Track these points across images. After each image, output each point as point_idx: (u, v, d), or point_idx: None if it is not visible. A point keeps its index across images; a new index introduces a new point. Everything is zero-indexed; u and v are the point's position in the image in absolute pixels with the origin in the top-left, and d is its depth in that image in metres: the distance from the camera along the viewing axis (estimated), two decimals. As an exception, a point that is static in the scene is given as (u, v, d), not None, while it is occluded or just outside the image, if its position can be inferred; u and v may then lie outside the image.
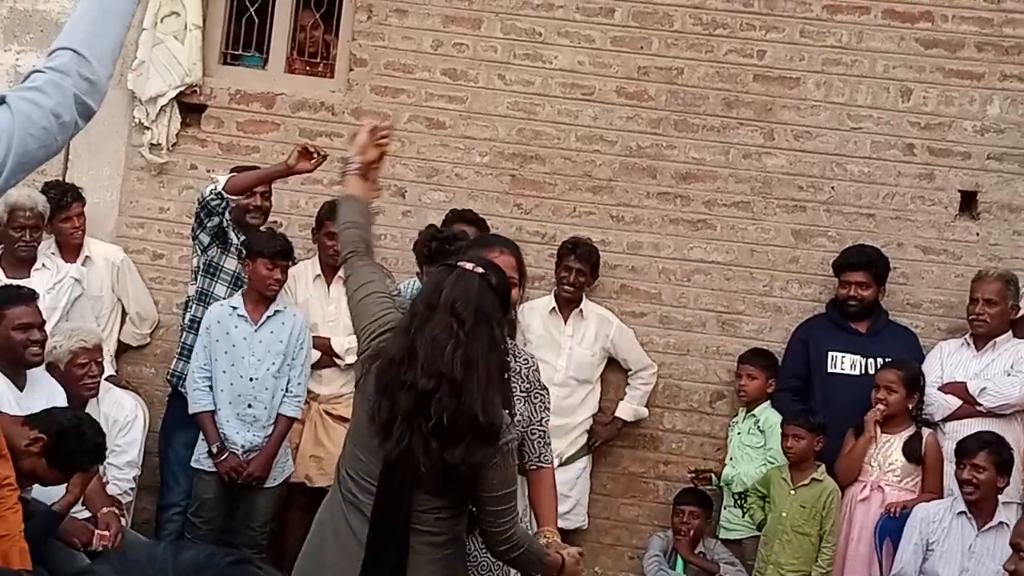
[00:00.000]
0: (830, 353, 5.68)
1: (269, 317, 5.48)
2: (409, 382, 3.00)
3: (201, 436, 5.50)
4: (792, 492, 5.39)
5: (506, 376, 3.16)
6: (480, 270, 3.12)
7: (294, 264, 5.81)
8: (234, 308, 5.49)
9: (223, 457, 5.41)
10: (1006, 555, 4.59)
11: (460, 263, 3.15)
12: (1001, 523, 4.98)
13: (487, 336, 3.04)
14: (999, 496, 5.07)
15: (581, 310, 5.84)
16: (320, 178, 6.12)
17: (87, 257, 5.79)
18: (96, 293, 5.74)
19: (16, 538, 4.32)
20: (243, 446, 5.44)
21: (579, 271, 5.77)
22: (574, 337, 5.82)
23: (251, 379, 5.44)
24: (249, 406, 5.44)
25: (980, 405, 5.41)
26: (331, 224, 5.67)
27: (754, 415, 5.74)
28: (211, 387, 5.44)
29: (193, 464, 5.52)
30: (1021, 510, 5.05)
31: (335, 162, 6.12)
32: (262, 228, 5.73)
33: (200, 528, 5.51)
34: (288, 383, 5.51)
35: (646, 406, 5.98)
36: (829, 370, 5.67)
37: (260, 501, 5.55)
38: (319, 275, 5.81)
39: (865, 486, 5.37)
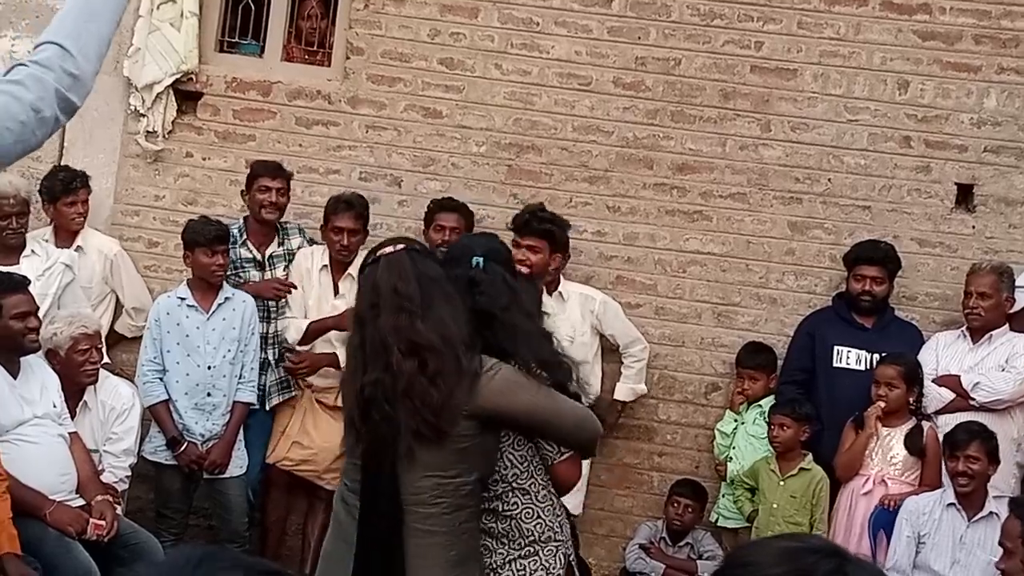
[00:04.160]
0: (836, 347, 5.66)
1: (220, 305, 5.50)
2: (393, 370, 3.02)
3: (155, 428, 5.50)
4: (781, 483, 5.40)
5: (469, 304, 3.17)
6: (401, 246, 3.16)
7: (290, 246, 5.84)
8: (182, 299, 5.51)
9: (182, 448, 5.42)
10: (997, 545, 4.61)
11: (380, 253, 3.17)
12: (991, 513, 4.98)
13: (440, 296, 3.07)
14: (988, 486, 5.08)
15: (561, 292, 5.68)
16: (316, 167, 6.12)
17: (79, 246, 5.77)
18: (85, 283, 5.72)
19: (5, 524, 4.35)
20: (202, 435, 5.46)
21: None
22: (555, 320, 5.72)
23: (209, 367, 5.46)
24: (208, 394, 5.46)
25: (973, 400, 5.41)
26: (336, 219, 5.67)
27: (760, 405, 5.73)
28: (161, 379, 5.46)
29: (149, 457, 5.51)
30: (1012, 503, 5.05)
31: (331, 151, 6.15)
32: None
33: (173, 519, 5.55)
34: (242, 369, 5.53)
35: (646, 389, 5.95)
36: (834, 364, 5.65)
37: (233, 493, 5.57)
38: (326, 265, 5.79)
39: (867, 480, 5.36)
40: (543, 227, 5.19)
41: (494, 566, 3.19)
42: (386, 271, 3.10)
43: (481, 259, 3.26)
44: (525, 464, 3.22)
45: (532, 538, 3.20)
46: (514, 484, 3.19)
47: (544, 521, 3.21)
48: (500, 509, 3.19)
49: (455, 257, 3.36)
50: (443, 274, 3.15)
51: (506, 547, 3.19)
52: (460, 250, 3.42)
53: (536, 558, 3.19)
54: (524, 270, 5.04)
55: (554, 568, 3.20)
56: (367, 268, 3.20)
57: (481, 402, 3.03)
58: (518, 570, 3.19)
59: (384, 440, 3.04)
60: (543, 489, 3.24)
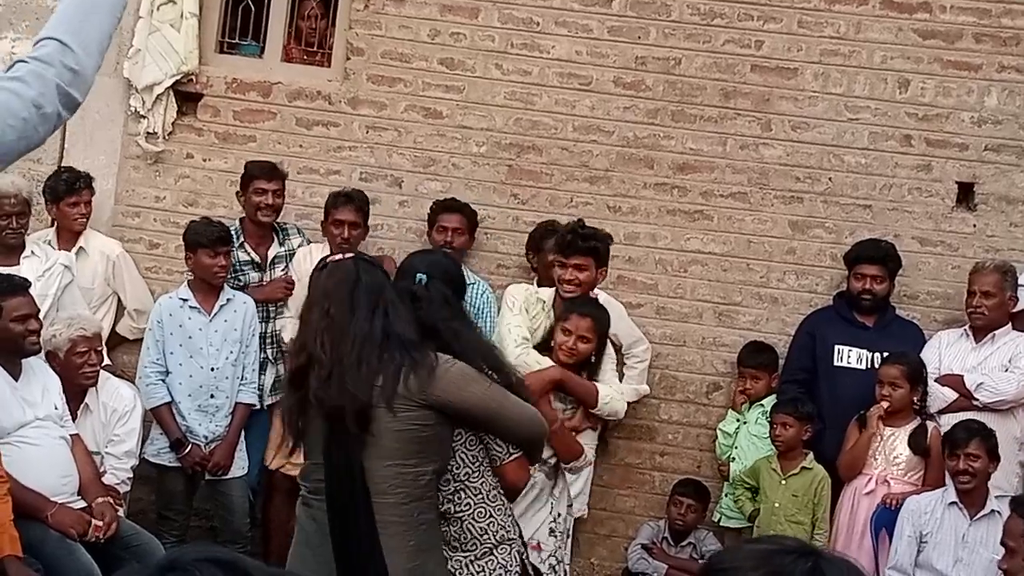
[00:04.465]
0: (836, 347, 5.65)
1: (222, 306, 5.51)
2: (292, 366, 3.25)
3: (157, 431, 5.50)
4: (783, 482, 5.40)
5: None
6: (350, 255, 3.34)
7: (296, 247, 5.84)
8: (184, 300, 5.51)
9: (186, 450, 5.42)
10: (999, 543, 4.60)
11: (328, 260, 3.33)
12: (993, 511, 4.98)
13: (367, 304, 3.18)
14: (989, 484, 5.08)
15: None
16: (316, 168, 6.12)
17: (81, 248, 5.77)
18: (87, 285, 5.73)
19: (6, 526, 4.35)
20: (206, 436, 5.46)
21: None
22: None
23: (212, 369, 5.46)
24: (212, 396, 5.47)
25: (976, 400, 5.40)
26: (336, 212, 5.67)
27: (762, 405, 5.72)
28: (164, 380, 5.46)
29: (152, 459, 5.50)
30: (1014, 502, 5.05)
31: (331, 151, 6.15)
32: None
33: (175, 521, 5.55)
34: (243, 370, 5.54)
35: (648, 390, 5.92)
36: (835, 364, 5.65)
37: (235, 494, 5.57)
38: None
39: (870, 479, 5.35)
40: (588, 244, 5.15)
41: (451, 573, 3.25)
42: (328, 276, 3.26)
43: (424, 276, 3.38)
44: (477, 464, 3.31)
45: (487, 537, 3.27)
46: (466, 483, 3.27)
47: (497, 520, 3.30)
48: (451, 511, 3.26)
49: (402, 272, 3.51)
50: (386, 284, 3.28)
51: (459, 552, 3.26)
52: (407, 265, 3.55)
53: (492, 558, 3.28)
54: (574, 289, 4.97)
55: (511, 565, 3.29)
56: (314, 273, 3.36)
57: (438, 392, 3.14)
58: (477, 572, 3.25)
59: (341, 435, 3.13)
60: (493, 489, 3.33)
